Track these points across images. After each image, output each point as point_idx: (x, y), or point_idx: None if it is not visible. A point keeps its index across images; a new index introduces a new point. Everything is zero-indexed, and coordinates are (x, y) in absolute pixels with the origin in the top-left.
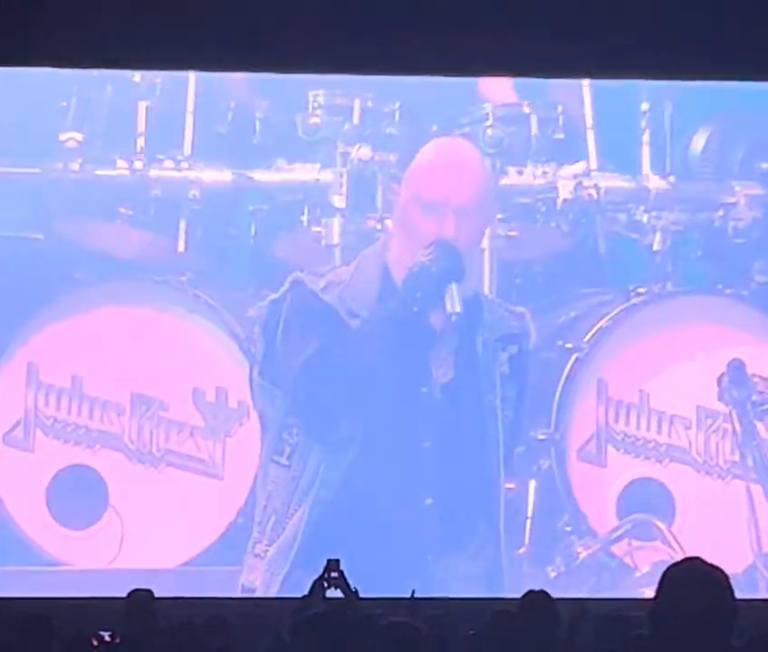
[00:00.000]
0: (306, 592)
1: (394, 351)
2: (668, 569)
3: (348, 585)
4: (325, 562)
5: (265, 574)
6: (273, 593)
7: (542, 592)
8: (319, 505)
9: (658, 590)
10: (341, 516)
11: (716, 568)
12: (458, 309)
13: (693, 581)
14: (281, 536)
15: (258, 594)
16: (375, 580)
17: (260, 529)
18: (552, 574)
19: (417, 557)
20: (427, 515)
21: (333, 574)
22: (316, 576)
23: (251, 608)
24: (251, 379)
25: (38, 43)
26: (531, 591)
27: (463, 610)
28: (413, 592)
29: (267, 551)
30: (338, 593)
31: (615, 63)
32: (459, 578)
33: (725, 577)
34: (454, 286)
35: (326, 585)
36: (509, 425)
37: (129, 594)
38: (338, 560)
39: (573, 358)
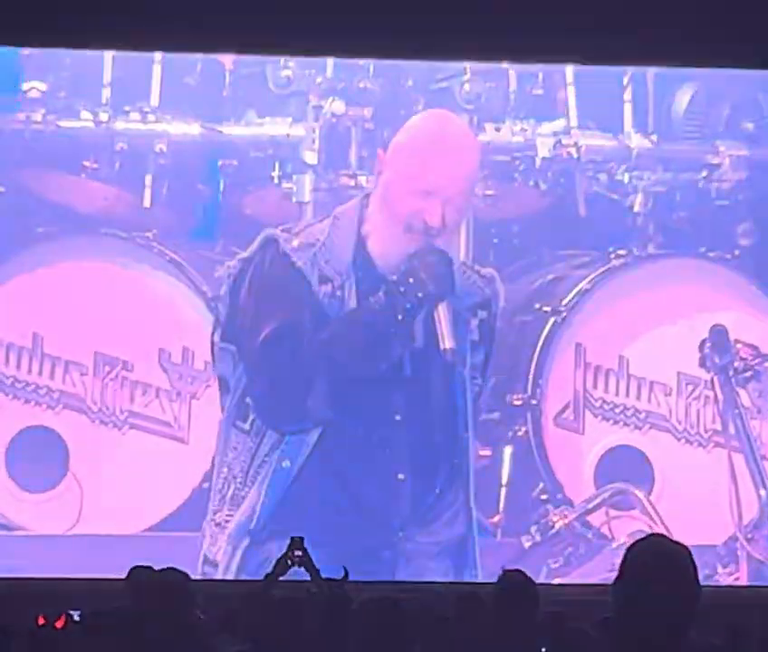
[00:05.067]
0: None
1: (364, 330)
2: (630, 547)
3: (312, 564)
4: (289, 540)
5: (227, 548)
6: (234, 568)
7: (520, 573)
8: (280, 476)
9: (620, 570)
10: (305, 490)
11: (680, 546)
12: (449, 345)
13: (655, 561)
14: (240, 506)
15: (220, 568)
16: (340, 558)
17: (220, 496)
18: (527, 544)
19: (387, 533)
20: (399, 491)
21: (297, 552)
22: (279, 553)
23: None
24: (212, 342)
25: None
26: (508, 571)
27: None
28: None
29: (228, 521)
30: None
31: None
32: (430, 552)
33: (689, 556)
34: (441, 308)
35: (290, 563)
36: (477, 392)
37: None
38: (302, 538)
39: (551, 321)
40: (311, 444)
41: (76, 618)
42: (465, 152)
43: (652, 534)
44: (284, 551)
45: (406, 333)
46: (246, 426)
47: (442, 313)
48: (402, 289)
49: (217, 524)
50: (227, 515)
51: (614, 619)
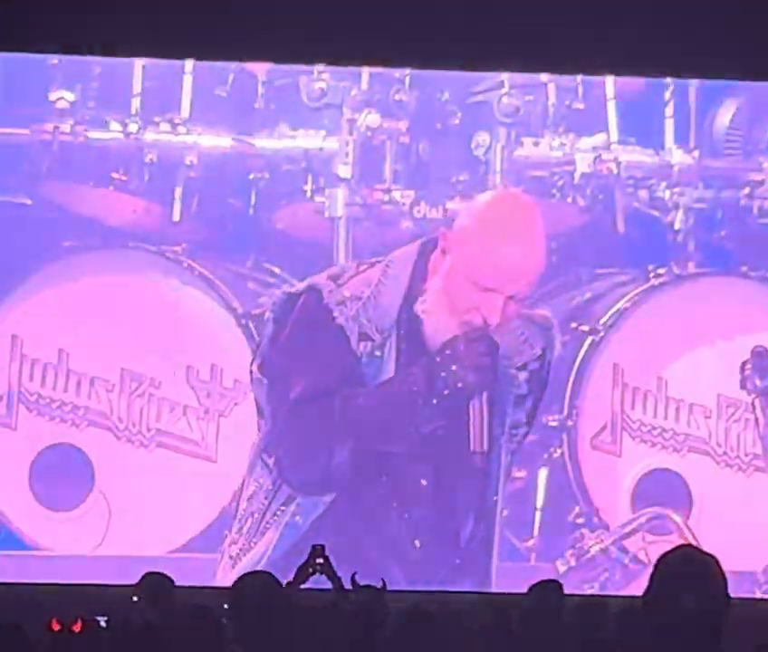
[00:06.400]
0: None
1: (397, 406)
2: (660, 558)
3: (334, 572)
4: (310, 548)
5: None
6: None
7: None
8: (291, 530)
9: (650, 581)
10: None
11: (709, 555)
12: (478, 448)
13: (684, 571)
14: (250, 552)
15: None
16: None
17: (239, 527)
18: (562, 568)
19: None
20: (413, 558)
21: (319, 560)
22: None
23: None
24: (251, 370)
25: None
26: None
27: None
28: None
29: (239, 561)
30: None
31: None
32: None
33: (718, 566)
34: (478, 402)
35: (311, 571)
36: (515, 447)
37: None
38: (323, 546)
39: (588, 341)
40: (326, 502)
41: (102, 623)
42: (533, 245)
43: (681, 545)
44: (306, 559)
45: (439, 417)
46: (270, 463)
47: (477, 409)
48: (443, 374)
49: (231, 557)
50: (239, 551)
51: (645, 631)
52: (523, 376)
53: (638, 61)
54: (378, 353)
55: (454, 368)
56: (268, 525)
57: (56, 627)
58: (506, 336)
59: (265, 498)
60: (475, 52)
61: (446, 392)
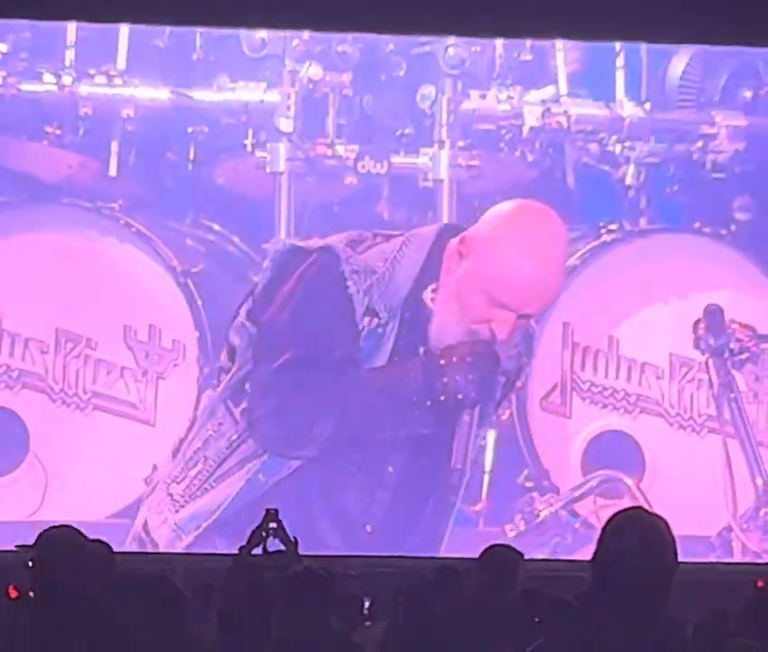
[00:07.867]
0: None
1: (389, 399)
2: (608, 520)
3: (287, 535)
4: (264, 512)
5: (171, 531)
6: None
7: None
8: (252, 486)
9: (599, 541)
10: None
11: (659, 518)
12: (459, 465)
13: (633, 533)
14: (201, 497)
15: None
16: None
17: (184, 467)
18: (511, 533)
19: None
20: (362, 542)
21: (272, 524)
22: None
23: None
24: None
25: None
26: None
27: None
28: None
29: (183, 505)
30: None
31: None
32: None
33: (667, 528)
34: (469, 417)
35: (265, 535)
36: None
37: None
38: (276, 510)
39: None
40: (291, 468)
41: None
42: (554, 268)
43: (630, 508)
44: (259, 522)
45: (429, 420)
46: (237, 414)
47: (467, 425)
48: (444, 379)
49: (170, 495)
50: (183, 494)
51: (591, 593)
52: (502, 380)
53: (587, 25)
54: (380, 331)
55: (457, 378)
56: (225, 476)
57: (13, 593)
58: (505, 347)
59: (226, 447)
60: (420, 15)
61: (442, 398)
